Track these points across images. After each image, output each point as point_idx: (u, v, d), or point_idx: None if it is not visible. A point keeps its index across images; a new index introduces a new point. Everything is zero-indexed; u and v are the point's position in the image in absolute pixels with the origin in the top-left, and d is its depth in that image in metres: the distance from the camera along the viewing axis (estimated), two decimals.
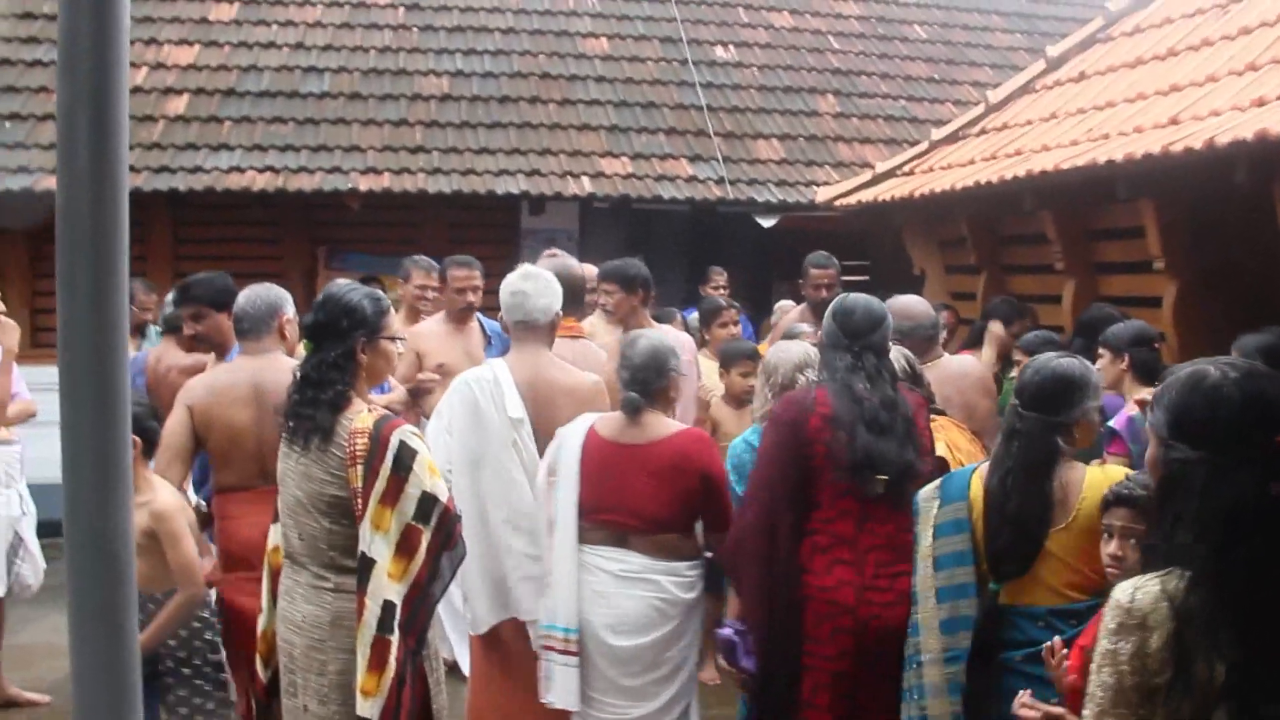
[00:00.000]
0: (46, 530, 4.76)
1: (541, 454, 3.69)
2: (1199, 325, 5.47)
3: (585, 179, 8.67)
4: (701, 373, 5.47)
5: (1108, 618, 1.89)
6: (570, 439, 3.63)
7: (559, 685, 3.53)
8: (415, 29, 9.87)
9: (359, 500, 2.89)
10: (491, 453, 3.70)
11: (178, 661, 3.54)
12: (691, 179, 8.91)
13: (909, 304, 4.39)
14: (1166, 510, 1.94)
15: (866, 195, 7.97)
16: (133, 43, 8.76)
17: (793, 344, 4.10)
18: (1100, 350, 4.37)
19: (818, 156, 9.45)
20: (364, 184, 8.24)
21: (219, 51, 9.24)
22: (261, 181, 8.11)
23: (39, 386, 4.77)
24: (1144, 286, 5.95)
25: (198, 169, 8.12)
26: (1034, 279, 6.91)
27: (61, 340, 1.26)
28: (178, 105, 8.69)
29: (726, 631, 3.32)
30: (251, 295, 3.92)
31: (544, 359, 3.82)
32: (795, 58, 10.49)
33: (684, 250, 9.50)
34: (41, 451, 3.62)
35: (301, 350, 5.11)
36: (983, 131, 7.79)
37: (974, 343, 6.21)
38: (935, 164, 7.74)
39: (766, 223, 8.91)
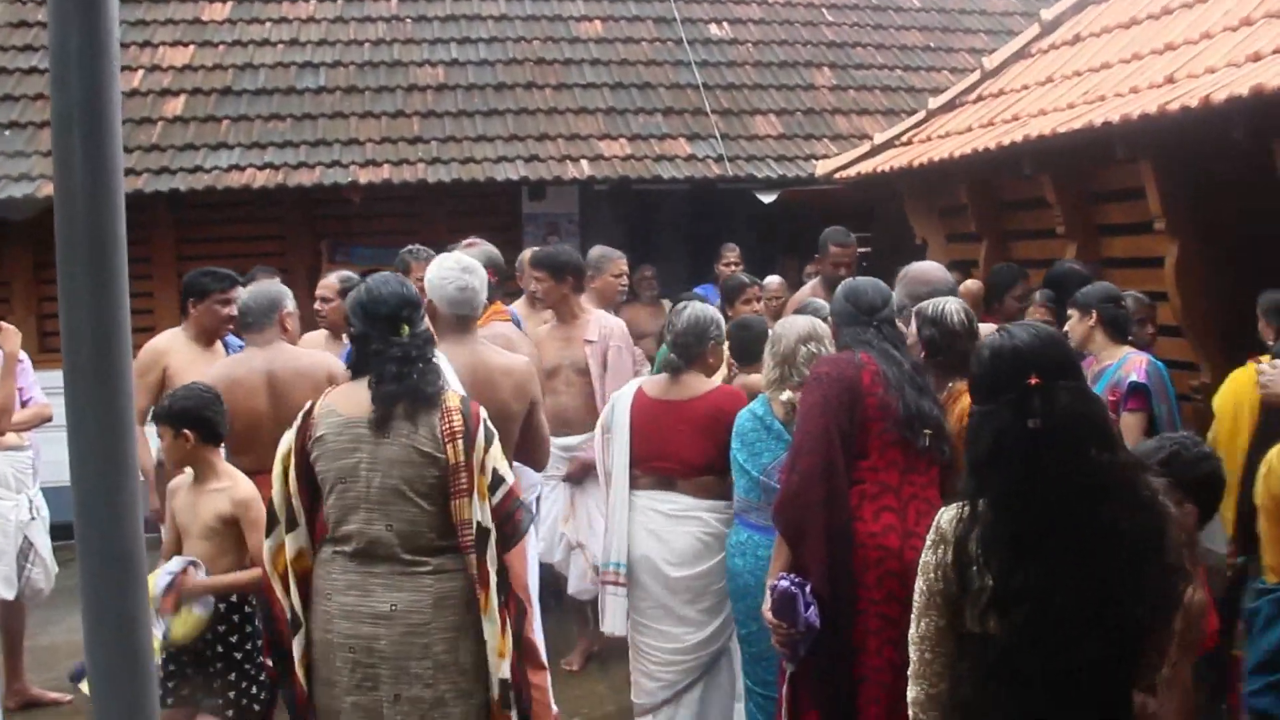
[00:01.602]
0: (64, 533, 4.80)
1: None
2: (1201, 284, 5.46)
3: (584, 162, 8.66)
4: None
5: (928, 535, 2.23)
6: (621, 400, 4.26)
7: (612, 613, 4.20)
8: (409, 20, 9.86)
9: (461, 474, 2.96)
10: None
11: (228, 646, 3.61)
12: (690, 158, 8.88)
13: (926, 269, 4.36)
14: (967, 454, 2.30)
15: (865, 167, 7.95)
16: (127, 46, 8.80)
17: (800, 317, 4.11)
18: (1069, 309, 4.38)
19: (815, 130, 9.42)
20: (364, 177, 8.26)
21: (214, 51, 9.25)
22: (261, 179, 8.13)
23: (47, 390, 4.83)
24: (1145, 247, 5.93)
25: (197, 169, 8.15)
26: (1035, 244, 6.89)
27: (65, 345, 1.28)
28: (175, 106, 8.70)
29: (784, 583, 3.25)
30: (255, 291, 4.39)
31: (479, 344, 3.92)
32: (790, 32, 10.45)
33: (686, 229, 9.50)
34: (55, 454, 3.66)
35: (305, 341, 5.21)
36: (979, 98, 7.76)
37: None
38: (933, 133, 7.72)
39: (767, 198, 8.88)
